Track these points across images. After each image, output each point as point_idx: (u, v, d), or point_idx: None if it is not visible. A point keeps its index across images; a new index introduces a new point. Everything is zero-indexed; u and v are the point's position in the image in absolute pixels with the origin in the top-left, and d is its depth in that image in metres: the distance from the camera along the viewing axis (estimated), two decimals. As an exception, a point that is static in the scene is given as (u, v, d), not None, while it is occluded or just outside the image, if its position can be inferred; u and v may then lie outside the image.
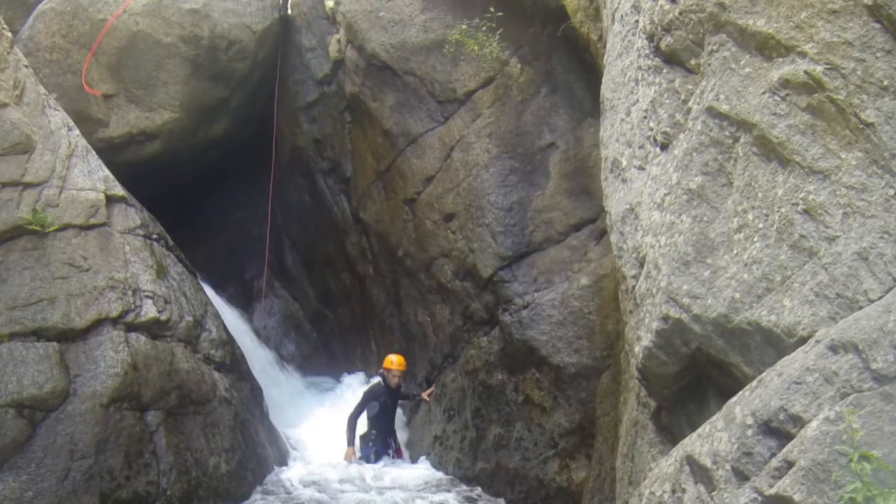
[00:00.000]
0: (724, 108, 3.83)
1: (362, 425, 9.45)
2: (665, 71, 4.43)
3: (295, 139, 12.14)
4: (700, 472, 3.45)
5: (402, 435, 9.89)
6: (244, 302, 13.15)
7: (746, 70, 3.75)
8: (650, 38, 4.54)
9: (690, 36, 4.19)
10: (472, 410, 8.64)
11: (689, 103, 4.20)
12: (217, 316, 8.68)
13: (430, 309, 9.53)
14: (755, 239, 3.61)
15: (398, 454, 9.55)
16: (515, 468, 7.96)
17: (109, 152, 9.51)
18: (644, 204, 4.49)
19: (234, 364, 8.59)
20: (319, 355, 12.82)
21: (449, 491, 8.23)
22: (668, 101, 4.38)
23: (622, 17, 5.12)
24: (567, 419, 7.64)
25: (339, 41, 10.98)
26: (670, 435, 4.48)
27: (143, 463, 6.78)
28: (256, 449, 8.38)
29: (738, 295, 3.62)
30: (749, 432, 3.19)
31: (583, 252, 8.12)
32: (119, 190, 8.07)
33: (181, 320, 7.83)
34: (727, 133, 3.85)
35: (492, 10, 8.72)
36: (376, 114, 10.11)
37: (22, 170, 7.15)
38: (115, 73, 10.38)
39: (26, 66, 7.80)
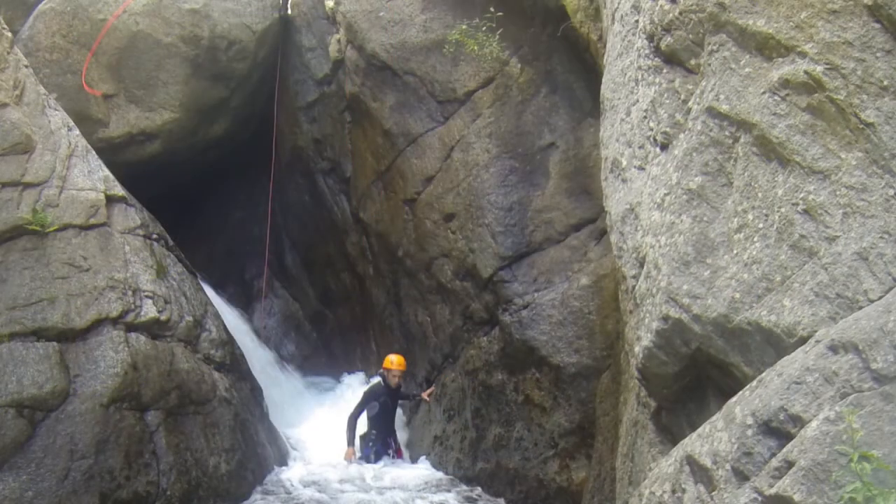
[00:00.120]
0: (724, 108, 3.83)
1: (362, 425, 9.45)
2: (665, 71, 4.43)
3: (295, 139, 12.14)
4: (700, 472, 3.45)
5: (402, 435, 9.89)
6: (244, 302, 13.15)
7: (746, 70, 3.75)
8: (650, 38, 4.54)
9: (690, 36, 4.19)
10: (472, 410, 8.64)
11: (689, 103, 4.20)
12: (217, 316, 8.68)
13: (430, 309, 9.53)
14: (755, 239, 3.61)
15: (398, 454, 9.55)
16: (515, 468, 7.96)
17: (109, 152, 9.51)
18: (644, 204, 4.49)
19: (234, 364, 8.59)
20: (319, 355, 12.82)
21: (449, 491, 8.23)
22: (668, 101, 4.38)
23: (622, 17, 5.12)
24: (567, 419, 7.64)
25: (339, 41, 10.98)
26: (670, 435, 4.48)
27: (143, 463, 6.78)
28: (256, 449, 8.38)
29: (738, 295, 3.62)
30: (749, 432, 3.19)
31: (583, 252, 8.12)
32: (119, 190, 8.07)
33: (181, 320, 7.83)
34: (727, 133, 3.85)
35: (492, 10, 8.72)
36: (376, 114, 10.12)
37: (22, 170, 7.15)
38: (115, 73, 10.38)
39: (26, 66, 7.80)
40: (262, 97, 11.92)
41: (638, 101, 4.74)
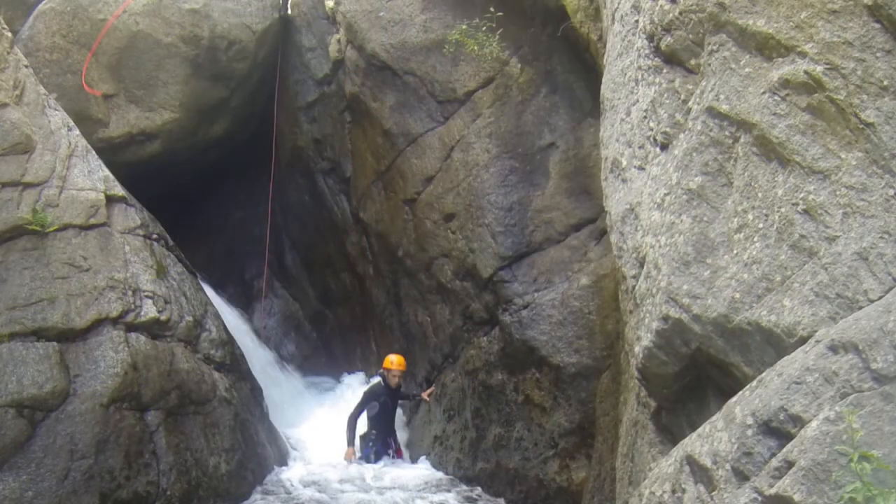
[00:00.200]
0: (724, 108, 3.83)
1: (362, 425, 9.45)
2: (665, 71, 4.43)
3: (295, 139, 12.14)
4: (700, 472, 3.45)
5: (402, 435, 9.89)
6: (244, 302, 13.15)
7: (746, 70, 3.75)
8: (650, 38, 4.54)
9: (690, 36, 4.19)
10: (472, 410, 8.64)
11: (689, 103, 4.20)
12: (217, 316, 8.68)
13: (430, 309, 9.53)
14: (755, 239, 3.61)
15: (398, 454, 9.55)
16: (515, 468, 7.96)
17: (109, 152, 9.51)
18: (644, 204, 4.49)
19: (234, 364, 8.59)
20: (319, 355, 12.82)
21: (449, 491, 8.23)
22: (668, 101, 4.38)
23: (622, 17, 5.12)
24: (567, 419, 7.64)
25: (339, 41, 10.98)
26: (670, 435, 4.47)
27: (143, 463, 6.78)
28: (256, 449, 8.38)
29: (738, 295, 3.62)
30: (749, 432, 3.19)
31: (583, 252, 8.12)
32: (119, 190, 8.07)
33: (181, 320, 7.83)
34: (727, 133, 3.85)
35: (492, 10, 8.72)
36: (376, 114, 10.12)
37: (22, 170, 7.15)
38: (115, 73, 10.38)
39: (26, 66, 7.80)
40: (262, 97, 11.92)
41: (638, 101, 4.74)
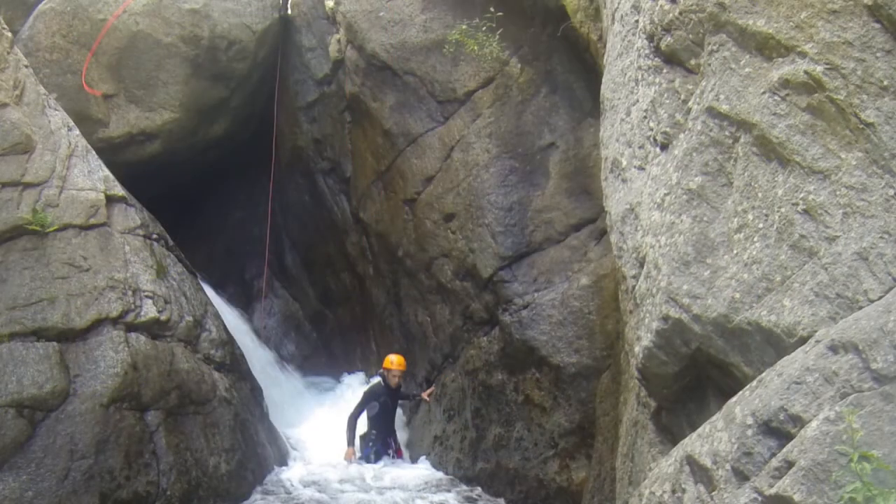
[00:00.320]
0: (724, 108, 3.83)
1: (362, 425, 9.45)
2: (665, 71, 4.43)
3: (295, 139, 12.14)
4: (700, 472, 3.45)
5: (402, 435, 9.89)
6: (244, 302, 13.15)
7: (746, 70, 3.75)
8: (650, 38, 4.54)
9: (690, 36, 4.19)
10: (472, 410, 8.64)
11: (689, 103, 4.20)
12: (217, 316, 8.68)
13: (430, 309, 9.53)
14: (755, 239, 3.61)
15: (398, 454, 9.55)
16: (515, 468, 7.96)
17: (109, 152, 9.51)
18: (644, 204, 4.49)
19: (234, 364, 8.59)
20: (319, 355, 12.82)
21: (449, 491, 8.23)
22: (668, 101, 4.38)
23: (622, 17, 5.12)
24: (567, 419, 7.64)
25: (339, 41, 10.98)
26: (670, 435, 4.48)
27: (143, 463, 6.78)
28: (256, 449, 8.38)
29: (738, 295, 3.62)
30: (749, 432, 3.19)
31: (583, 252, 8.12)
32: (119, 190, 8.07)
33: (181, 320, 7.83)
34: (727, 133, 3.85)
35: (492, 10, 8.72)
36: (376, 114, 10.12)
37: (22, 170, 7.15)
38: (115, 73, 10.38)
39: (26, 66, 7.80)
40: (262, 97, 11.92)
41: (638, 101, 4.74)
